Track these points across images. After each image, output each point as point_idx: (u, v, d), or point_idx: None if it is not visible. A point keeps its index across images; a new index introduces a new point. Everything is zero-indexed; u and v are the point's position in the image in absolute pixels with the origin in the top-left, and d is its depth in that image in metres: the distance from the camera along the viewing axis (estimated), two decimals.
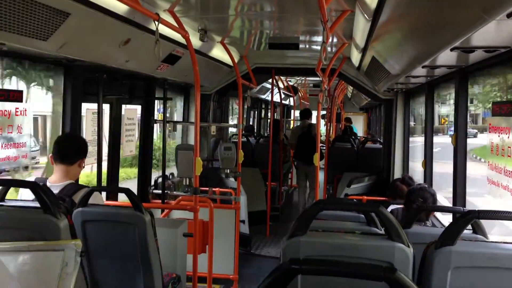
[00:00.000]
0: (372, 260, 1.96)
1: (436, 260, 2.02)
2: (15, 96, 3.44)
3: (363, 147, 8.41)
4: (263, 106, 13.65)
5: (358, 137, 11.61)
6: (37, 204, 2.36)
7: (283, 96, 12.86)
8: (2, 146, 3.36)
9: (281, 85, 10.99)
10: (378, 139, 9.51)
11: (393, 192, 4.35)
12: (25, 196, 3.00)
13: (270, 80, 8.92)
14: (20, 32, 2.67)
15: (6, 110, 3.35)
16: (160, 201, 5.19)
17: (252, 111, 12.82)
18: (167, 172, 5.73)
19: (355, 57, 5.56)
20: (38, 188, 2.27)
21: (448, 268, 2.01)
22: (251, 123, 12.73)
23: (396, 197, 4.26)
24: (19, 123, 3.54)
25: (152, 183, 5.54)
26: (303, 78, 11.87)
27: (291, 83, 11.96)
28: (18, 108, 3.52)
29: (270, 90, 9.71)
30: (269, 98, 10.02)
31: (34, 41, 2.83)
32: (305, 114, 9.58)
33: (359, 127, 14.52)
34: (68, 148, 3.10)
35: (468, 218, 2.08)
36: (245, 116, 12.04)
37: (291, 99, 13.02)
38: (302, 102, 14.43)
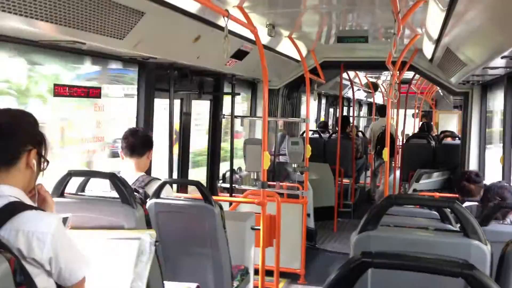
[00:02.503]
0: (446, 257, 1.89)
1: None
2: (95, 92, 3.64)
3: (440, 143, 8.11)
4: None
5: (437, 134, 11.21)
6: (112, 195, 2.49)
7: (364, 93, 12.63)
8: (82, 139, 3.58)
9: (358, 81, 10.80)
10: (458, 135, 9.11)
11: (461, 192, 4.13)
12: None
13: (346, 76, 8.87)
14: (99, 32, 2.81)
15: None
16: (228, 194, 5.29)
17: (332, 108, 12.64)
18: (235, 166, 5.82)
19: (428, 48, 5.37)
20: (117, 179, 2.39)
21: None
22: (331, 120, 12.57)
23: (464, 196, 4.05)
24: (98, 119, 3.75)
25: (220, 177, 5.66)
26: (388, 73, 11.58)
27: (372, 79, 11.58)
28: (97, 104, 3.73)
29: (347, 86, 9.64)
30: (348, 95, 9.91)
31: (111, 40, 2.98)
32: (380, 110, 9.49)
33: (452, 127, 13.44)
34: (136, 142, 3.22)
35: None
36: (323, 113, 11.98)
37: (376, 94, 12.61)
38: (385, 99, 14.00)
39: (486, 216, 2.67)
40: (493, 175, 5.45)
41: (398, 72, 5.87)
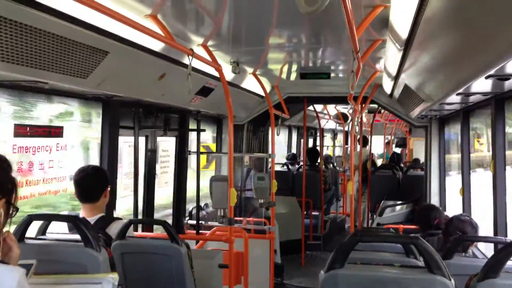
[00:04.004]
0: None
1: None
2: (56, 132, 3.58)
3: (405, 174, 8.30)
4: (312, 134, 13.44)
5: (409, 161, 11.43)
6: (74, 237, 2.42)
7: (336, 124, 12.75)
8: (44, 180, 3.48)
9: (327, 112, 10.95)
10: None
11: (425, 226, 4.20)
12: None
13: (318, 108, 8.94)
14: (62, 71, 2.78)
15: (48, 146, 3.48)
16: (195, 231, 5.22)
17: (303, 139, 12.72)
18: (201, 203, 5.77)
19: (387, 84, 5.54)
20: (79, 222, 2.33)
21: None
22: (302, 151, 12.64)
23: (426, 229, 4.12)
24: (59, 159, 3.67)
25: (187, 214, 5.59)
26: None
27: (343, 110, 11.68)
28: (58, 144, 3.66)
29: (312, 117, 9.73)
30: (319, 126, 10.03)
31: (75, 79, 2.95)
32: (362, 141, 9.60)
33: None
34: (89, 187, 3.02)
35: (511, 250, 2.02)
36: (294, 144, 12.06)
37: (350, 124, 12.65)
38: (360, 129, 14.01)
39: (449, 249, 2.72)
40: (453, 207, 5.61)
41: (360, 106, 6.03)
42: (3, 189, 1.67)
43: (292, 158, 10.10)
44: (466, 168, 4.98)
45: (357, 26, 2.79)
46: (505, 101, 3.60)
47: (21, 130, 3.21)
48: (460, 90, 3.19)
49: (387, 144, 13.13)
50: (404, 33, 2.90)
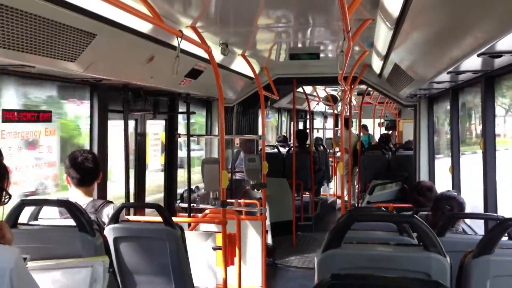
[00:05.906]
0: (409, 272, 1.95)
1: (474, 269, 2.00)
2: (45, 116, 3.53)
3: (394, 154, 8.36)
4: (302, 116, 13.40)
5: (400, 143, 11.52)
6: (67, 222, 2.40)
7: (326, 106, 12.76)
8: (34, 165, 3.44)
9: (320, 94, 10.93)
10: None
11: (415, 204, 4.30)
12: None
13: (307, 91, 8.89)
14: (49, 55, 2.73)
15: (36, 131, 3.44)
16: (187, 214, 5.22)
17: (292, 122, 12.66)
18: (193, 186, 5.77)
19: (376, 64, 5.54)
20: (74, 207, 2.31)
21: (487, 277, 1.99)
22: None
23: (417, 207, 4.21)
24: (48, 143, 3.63)
25: (178, 196, 5.59)
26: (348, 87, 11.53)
27: (332, 92, 11.63)
28: (47, 128, 3.61)
29: (302, 99, 9.71)
30: (309, 109, 9.97)
31: (62, 63, 2.90)
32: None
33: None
34: (85, 173, 3.05)
35: (505, 226, 2.05)
36: (285, 126, 12.04)
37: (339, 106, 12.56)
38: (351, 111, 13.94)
39: (442, 227, 2.75)
40: (443, 184, 5.66)
41: (349, 87, 6.03)
42: None
43: (283, 141, 10.11)
44: (455, 146, 5.03)
45: (348, 6, 2.76)
46: (495, 78, 3.62)
47: (9, 116, 3.15)
48: (451, 69, 3.20)
49: (379, 125, 13.26)
50: (395, 12, 2.89)
